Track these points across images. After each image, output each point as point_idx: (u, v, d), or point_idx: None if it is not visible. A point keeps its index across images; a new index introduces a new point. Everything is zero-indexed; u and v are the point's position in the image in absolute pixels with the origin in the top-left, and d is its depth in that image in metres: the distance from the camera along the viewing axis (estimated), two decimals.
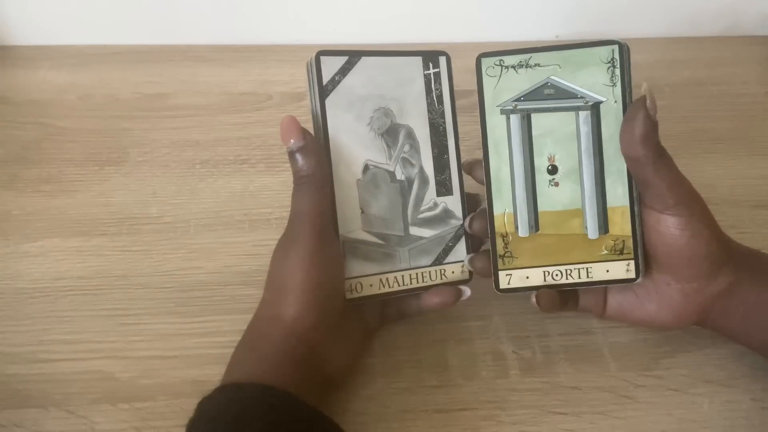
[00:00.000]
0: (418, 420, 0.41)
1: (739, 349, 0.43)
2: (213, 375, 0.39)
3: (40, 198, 0.54)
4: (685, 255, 0.38)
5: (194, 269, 0.49)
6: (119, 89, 0.64)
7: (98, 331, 0.45)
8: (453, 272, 0.43)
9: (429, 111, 0.42)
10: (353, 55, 0.40)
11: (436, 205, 0.43)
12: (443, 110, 0.43)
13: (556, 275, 0.41)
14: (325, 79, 0.40)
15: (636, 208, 0.40)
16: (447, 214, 0.43)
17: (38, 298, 0.47)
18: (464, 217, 0.43)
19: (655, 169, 0.37)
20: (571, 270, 0.41)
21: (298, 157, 0.38)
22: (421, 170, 0.43)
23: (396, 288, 0.42)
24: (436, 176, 0.43)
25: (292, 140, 0.38)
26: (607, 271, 0.41)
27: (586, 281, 0.41)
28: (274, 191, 0.55)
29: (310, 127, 0.40)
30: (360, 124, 0.41)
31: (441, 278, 0.43)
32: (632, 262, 0.40)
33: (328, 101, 0.40)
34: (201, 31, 0.69)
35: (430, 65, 0.42)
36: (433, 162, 0.43)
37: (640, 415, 0.41)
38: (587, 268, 0.41)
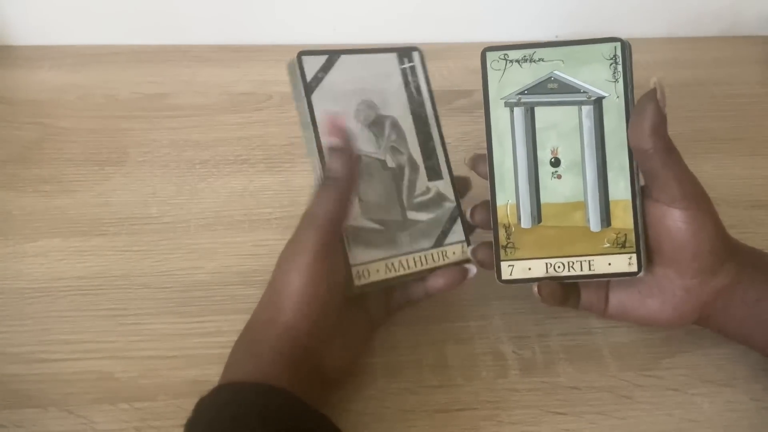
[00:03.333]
0: (418, 420, 0.41)
1: (739, 349, 0.43)
2: (213, 375, 0.39)
3: (40, 198, 0.54)
4: (689, 249, 0.38)
5: (194, 269, 0.49)
6: (119, 89, 0.64)
7: (98, 331, 0.45)
8: (454, 253, 0.44)
9: (409, 102, 0.44)
10: (332, 54, 0.43)
11: (428, 189, 0.44)
12: (422, 100, 0.44)
13: (558, 267, 0.41)
14: (309, 76, 0.42)
15: (638, 202, 0.40)
16: (440, 197, 0.44)
17: (38, 298, 0.47)
18: (456, 199, 0.44)
19: (663, 162, 0.37)
20: (573, 262, 0.41)
21: (334, 156, 0.38)
22: (410, 157, 0.44)
23: (402, 272, 0.43)
24: (424, 162, 0.44)
25: (335, 139, 0.39)
26: (609, 264, 0.40)
27: (588, 274, 0.41)
28: (274, 191, 0.55)
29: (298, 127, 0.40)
30: (347, 116, 0.42)
31: (443, 259, 0.44)
32: (634, 256, 0.40)
33: (313, 97, 0.41)
34: (201, 31, 0.69)
35: (405, 60, 0.44)
36: (420, 148, 0.44)
37: (640, 415, 0.41)
38: (589, 261, 0.41)
